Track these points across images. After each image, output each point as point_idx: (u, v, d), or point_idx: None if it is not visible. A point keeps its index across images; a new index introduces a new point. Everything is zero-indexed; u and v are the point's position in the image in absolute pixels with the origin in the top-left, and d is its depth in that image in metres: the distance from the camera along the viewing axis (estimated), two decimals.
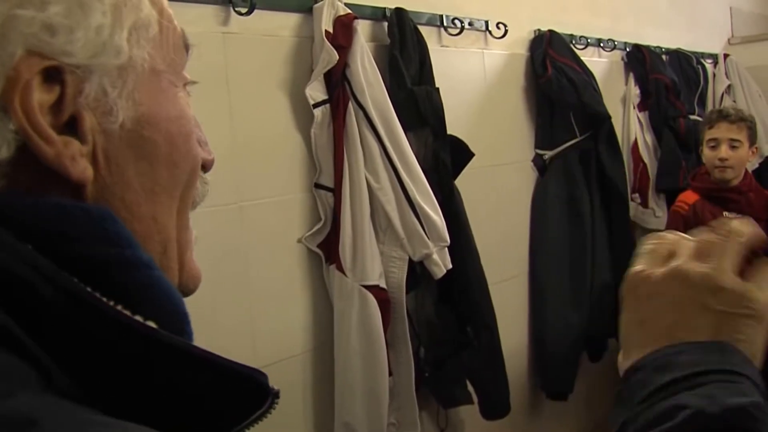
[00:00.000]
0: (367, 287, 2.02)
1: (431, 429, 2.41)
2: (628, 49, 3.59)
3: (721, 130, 2.95)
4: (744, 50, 4.63)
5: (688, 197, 3.09)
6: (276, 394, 0.51)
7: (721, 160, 2.92)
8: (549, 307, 2.89)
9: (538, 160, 2.98)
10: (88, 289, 0.43)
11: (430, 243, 2.10)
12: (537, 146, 2.99)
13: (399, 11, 2.26)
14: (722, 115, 3.03)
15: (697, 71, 4.01)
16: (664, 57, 3.78)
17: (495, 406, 2.45)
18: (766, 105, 4.31)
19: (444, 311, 2.29)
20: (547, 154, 2.97)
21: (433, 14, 2.48)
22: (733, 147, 2.94)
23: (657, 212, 3.45)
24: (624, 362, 0.60)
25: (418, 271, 2.18)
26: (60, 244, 0.44)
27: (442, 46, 2.54)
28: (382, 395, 2.03)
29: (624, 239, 3.07)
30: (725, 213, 3.04)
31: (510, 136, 2.87)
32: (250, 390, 0.49)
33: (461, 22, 2.55)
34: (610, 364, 3.35)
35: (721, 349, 0.55)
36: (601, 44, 3.39)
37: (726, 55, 4.41)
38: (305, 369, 2.07)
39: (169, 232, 0.53)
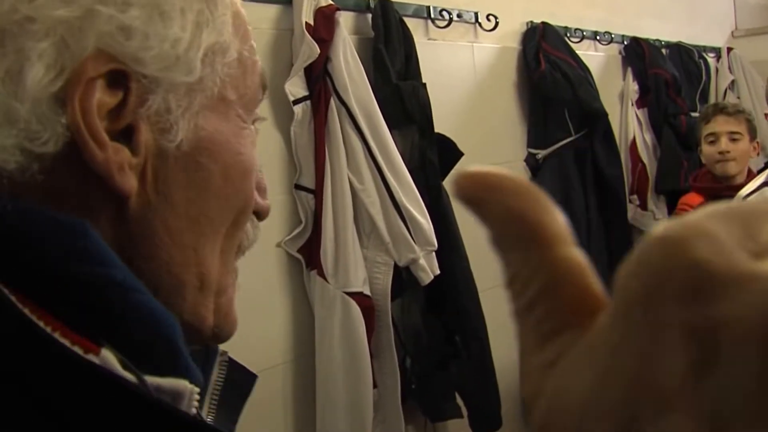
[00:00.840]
0: (350, 294, 2.05)
1: None
2: (625, 43, 3.64)
3: (719, 123, 3.01)
4: (748, 44, 4.69)
5: (692, 199, 3.13)
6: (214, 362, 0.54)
7: (722, 153, 2.97)
8: None
9: (530, 160, 3.02)
10: (26, 310, 0.42)
11: (416, 247, 2.13)
12: (530, 145, 3.03)
13: (384, 2, 2.29)
14: (718, 108, 3.09)
15: (699, 66, 4.07)
16: (663, 51, 3.84)
17: (485, 420, 2.48)
18: None
19: (431, 320, 2.32)
20: (541, 154, 3.00)
21: (420, 5, 2.52)
22: (733, 140, 2.99)
23: (657, 215, 3.49)
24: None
25: (404, 277, 2.21)
26: (20, 254, 0.44)
27: (429, 39, 2.57)
28: (366, 408, 2.06)
29: (622, 243, 3.12)
30: None
31: (501, 135, 2.91)
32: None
33: (449, 13, 2.59)
34: None
35: None
36: (598, 37, 3.43)
37: (729, 49, 4.46)
38: (285, 380, 2.09)
39: (208, 268, 0.53)
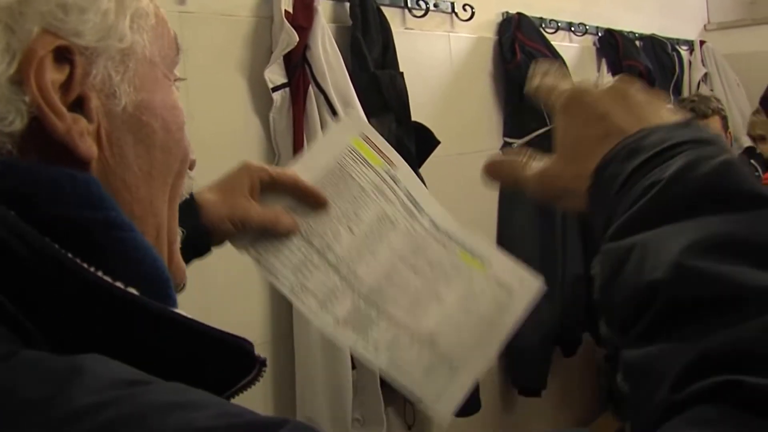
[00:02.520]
0: None
1: (398, 425, 2.49)
2: (600, 34, 3.71)
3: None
4: (721, 37, 4.79)
5: None
6: (263, 363, 0.56)
7: None
8: None
9: (506, 149, 3.07)
10: (69, 255, 0.46)
11: None
12: (505, 134, 3.09)
13: None
14: (696, 113, 3.18)
15: (673, 58, 4.16)
16: (637, 43, 3.92)
17: (465, 402, 2.53)
18: (743, 94, 4.46)
19: None
20: (516, 143, 3.06)
21: None
22: None
23: None
24: (566, 168, 0.65)
25: None
26: (45, 207, 0.48)
27: (406, 28, 2.62)
28: (346, 389, 2.11)
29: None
30: None
31: (477, 124, 2.97)
32: (237, 358, 0.54)
33: (426, 3, 2.64)
34: (584, 359, 3.47)
35: (687, 125, 0.59)
36: (572, 28, 3.50)
37: (702, 42, 4.56)
38: None
39: (162, 218, 0.58)
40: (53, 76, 0.50)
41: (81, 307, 0.46)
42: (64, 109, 0.50)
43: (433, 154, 2.46)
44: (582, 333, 3.24)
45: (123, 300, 0.47)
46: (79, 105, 0.52)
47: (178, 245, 0.63)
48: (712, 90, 4.33)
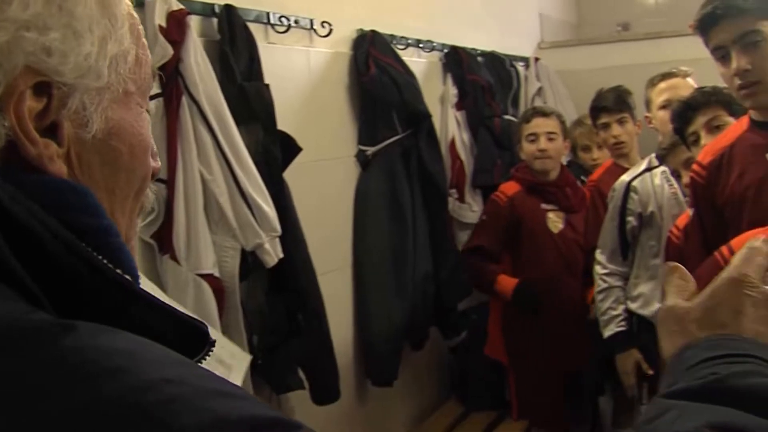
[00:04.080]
0: (201, 276, 2.23)
1: None
2: (446, 51, 3.94)
3: (539, 124, 3.50)
4: (553, 54, 5.19)
5: (509, 188, 3.58)
6: (212, 343, 0.64)
7: (541, 151, 3.46)
8: (372, 297, 3.19)
9: (361, 156, 3.25)
10: (83, 244, 0.55)
11: (262, 233, 2.34)
12: (360, 142, 3.26)
13: (229, 8, 2.47)
14: (537, 111, 3.61)
15: (511, 74, 4.44)
16: (479, 59, 4.17)
17: (325, 391, 2.72)
18: (572, 107, 4.86)
19: (275, 300, 2.53)
20: (370, 150, 3.24)
21: (261, 11, 2.70)
22: (550, 139, 3.49)
23: (473, 207, 3.84)
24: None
25: (249, 261, 2.40)
26: (53, 212, 0.55)
27: (269, 42, 2.76)
28: None
29: (443, 232, 3.47)
30: (542, 205, 3.55)
31: (335, 132, 3.15)
32: (195, 336, 0.62)
33: (288, 20, 2.80)
34: (432, 352, 3.75)
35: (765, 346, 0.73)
36: (421, 45, 3.72)
37: (536, 59, 4.93)
38: None
39: (121, 228, 0.65)
40: (31, 105, 0.57)
41: (88, 287, 0.55)
42: (36, 136, 0.57)
43: (295, 161, 2.63)
44: (429, 328, 3.50)
45: (122, 285, 0.56)
46: (52, 130, 0.59)
47: (133, 248, 0.70)
48: (545, 102, 4.65)
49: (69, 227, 0.56)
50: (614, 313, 3.16)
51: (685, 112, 2.59)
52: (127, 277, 0.58)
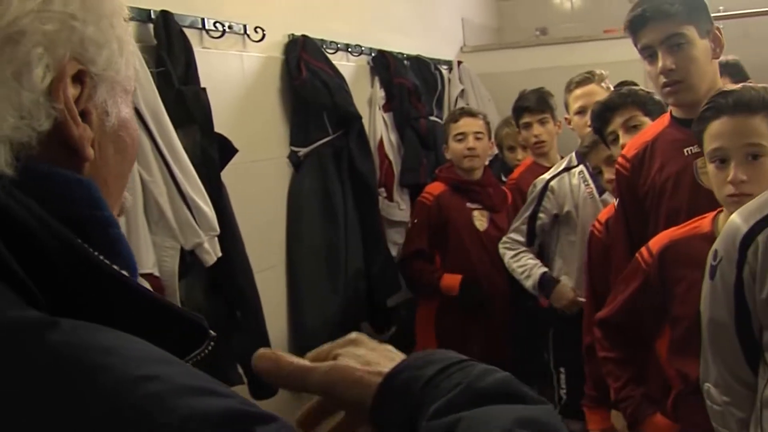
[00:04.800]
0: (141, 275, 2.28)
1: None
2: (373, 55, 4.02)
3: (467, 124, 3.62)
4: (475, 58, 5.33)
5: (434, 188, 3.68)
6: (213, 338, 0.65)
7: (470, 149, 3.57)
8: (306, 294, 3.26)
9: (293, 157, 3.31)
10: (79, 240, 0.57)
11: (201, 232, 2.40)
12: (292, 143, 3.32)
13: (165, 14, 2.52)
14: (465, 112, 3.73)
15: (435, 76, 4.56)
16: (406, 62, 4.27)
17: (263, 386, 2.78)
18: (494, 108, 5.00)
19: (213, 297, 2.59)
20: (302, 151, 3.31)
21: (196, 17, 2.75)
22: (477, 138, 3.61)
23: (401, 205, 3.93)
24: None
25: (187, 260, 2.46)
26: (57, 204, 0.59)
27: (204, 47, 2.80)
28: None
29: (373, 230, 3.57)
30: (467, 204, 3.67)
31: (268, 134, 3.21)
32: (193, 331, 0.64)
33: (222, 25, 2.85)
34: None
35: (447, 352, 0.74)
36: (350, 49, 3.80)
37: (459, 62, 5.06)
38: None
39: (116, 208, 0.71)
40: (72, 91, 0.63)
41: (84, 282, 0.57)
42: (80, 119, 0.63)
43: (231, 162, 2.69)
44: (362, 323, 3.59)
45: (118, 279, 0.59)
46: (83, 118, 0.64)
47: None
48: (467, 104, 4.73)
49: (72, 218, 0.59)
50: (532, 262, 3.34)
51: (603, 113, 2.76)
52: (125, 272, 0.61)
